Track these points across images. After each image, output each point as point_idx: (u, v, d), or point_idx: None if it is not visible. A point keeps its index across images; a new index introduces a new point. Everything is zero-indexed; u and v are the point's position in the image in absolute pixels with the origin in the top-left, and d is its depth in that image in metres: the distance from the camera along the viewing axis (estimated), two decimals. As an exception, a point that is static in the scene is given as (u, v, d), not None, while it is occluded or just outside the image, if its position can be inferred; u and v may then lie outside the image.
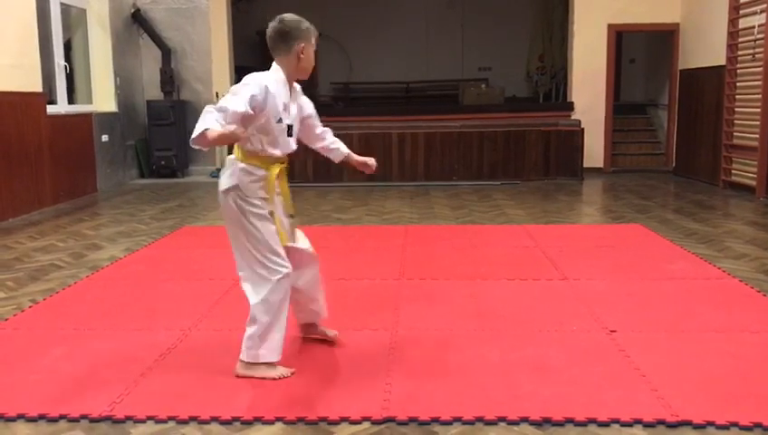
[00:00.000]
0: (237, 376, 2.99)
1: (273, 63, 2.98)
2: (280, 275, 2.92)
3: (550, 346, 3.34)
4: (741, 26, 8.39)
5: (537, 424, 2.56)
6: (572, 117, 10.34)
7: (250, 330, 2.97)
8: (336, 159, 3.33)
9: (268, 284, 2.91)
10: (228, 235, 3.00)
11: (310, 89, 14.42)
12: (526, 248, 5.48)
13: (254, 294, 2.95)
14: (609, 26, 10.39)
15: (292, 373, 3.02)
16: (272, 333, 2.96)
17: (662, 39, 10.94)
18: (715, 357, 3.19)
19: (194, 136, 2.64)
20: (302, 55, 2.95)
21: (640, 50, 12.54)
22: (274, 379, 2.96)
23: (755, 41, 7.92)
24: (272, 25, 2.96)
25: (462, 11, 14.70)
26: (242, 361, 3.00)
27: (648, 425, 2.55)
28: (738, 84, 8.53)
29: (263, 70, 2.98)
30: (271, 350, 2.97)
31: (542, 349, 3.30)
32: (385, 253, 5.34)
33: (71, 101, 9.06)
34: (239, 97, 2.75)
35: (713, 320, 3.71)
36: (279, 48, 2.95)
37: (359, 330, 3.59)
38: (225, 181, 2.94)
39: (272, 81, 2.88)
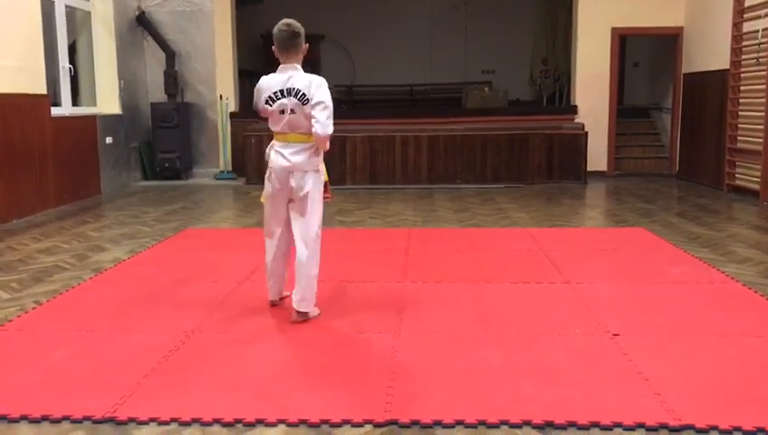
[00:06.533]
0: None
1: (293, 63, 3.59)
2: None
3: (552, 350, 3.34)
4: (745, 30, 8.38)
5: (539, 428, 2.56)
6: (576, 120, 10.33)
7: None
8: None
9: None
10: (299, 209, 3.70)
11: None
12: (529, 251, 5.48)
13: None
14: (613, 30, 10.38)
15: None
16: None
17: (666, 43, 10.93)
18: (718, 361, 3.18)
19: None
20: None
21: (644, 53, 12.53)
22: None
23: (759, 45, 7.92)
24: (285, 28, 3.56)
25: (465, 14, 14.70)
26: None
27: (650, 429, 2.55)
28: (742, 88, 8.52)
29: (266, 73, 3.48)
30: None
31: (545, 352, 3.30)
32: (388, 256, 5.34)
33: (75, 103, 9.09)
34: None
35: (716, 324, 3.71)
36: (294, 46, 3.59)
37: (362, 332, 3.60)
38: (313, 161, 3.70)
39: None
